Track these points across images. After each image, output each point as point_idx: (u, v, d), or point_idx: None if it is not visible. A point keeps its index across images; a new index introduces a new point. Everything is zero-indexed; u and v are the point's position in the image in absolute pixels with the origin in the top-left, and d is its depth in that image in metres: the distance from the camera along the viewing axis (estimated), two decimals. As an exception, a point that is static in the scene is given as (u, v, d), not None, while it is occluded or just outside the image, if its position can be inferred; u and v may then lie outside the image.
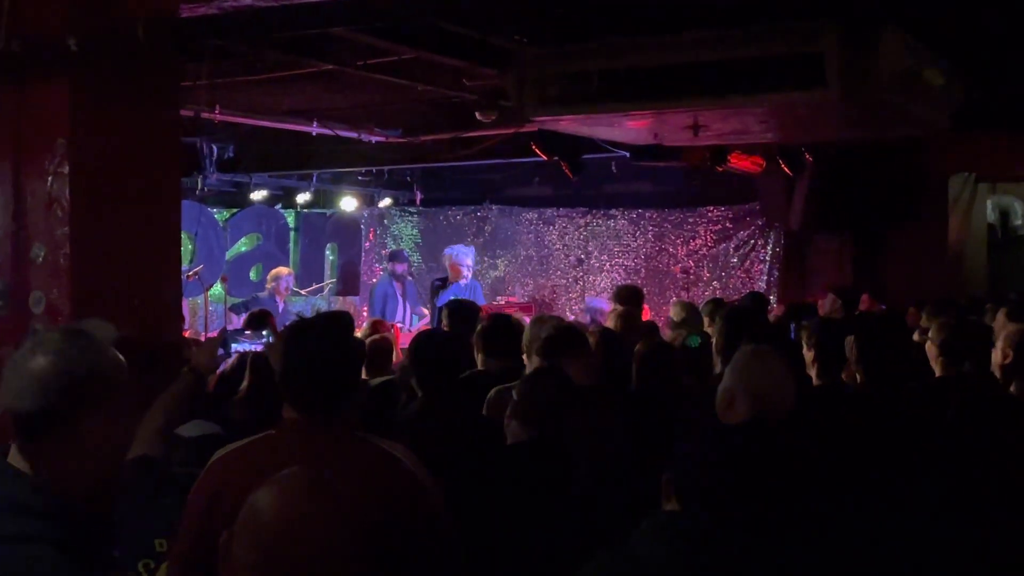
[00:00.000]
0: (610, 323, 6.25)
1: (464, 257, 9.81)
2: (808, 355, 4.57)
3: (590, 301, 10.30)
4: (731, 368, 3.36)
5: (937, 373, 4.78)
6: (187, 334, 8.23)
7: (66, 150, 4.30)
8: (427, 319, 9.99)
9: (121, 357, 2.03)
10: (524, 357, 5.02)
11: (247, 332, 4.07)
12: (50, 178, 4.33)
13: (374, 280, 12.27)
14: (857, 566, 3.14)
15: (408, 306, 10.27)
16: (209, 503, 2.61)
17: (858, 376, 4.45)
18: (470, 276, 9.80)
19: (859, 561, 3.15)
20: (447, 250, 10.09)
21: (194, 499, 2.66)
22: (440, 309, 8.89)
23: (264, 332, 4.00)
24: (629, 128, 7.45)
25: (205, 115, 7.26)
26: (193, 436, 3.32)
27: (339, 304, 12.29)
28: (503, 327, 5.03)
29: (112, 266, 4.41)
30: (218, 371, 4.14)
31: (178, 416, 3.42)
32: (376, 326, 6.84)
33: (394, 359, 5.86)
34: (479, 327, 5.09)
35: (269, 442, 2.70)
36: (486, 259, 12.15)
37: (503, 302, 10.46)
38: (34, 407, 1.90)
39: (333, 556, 1.67)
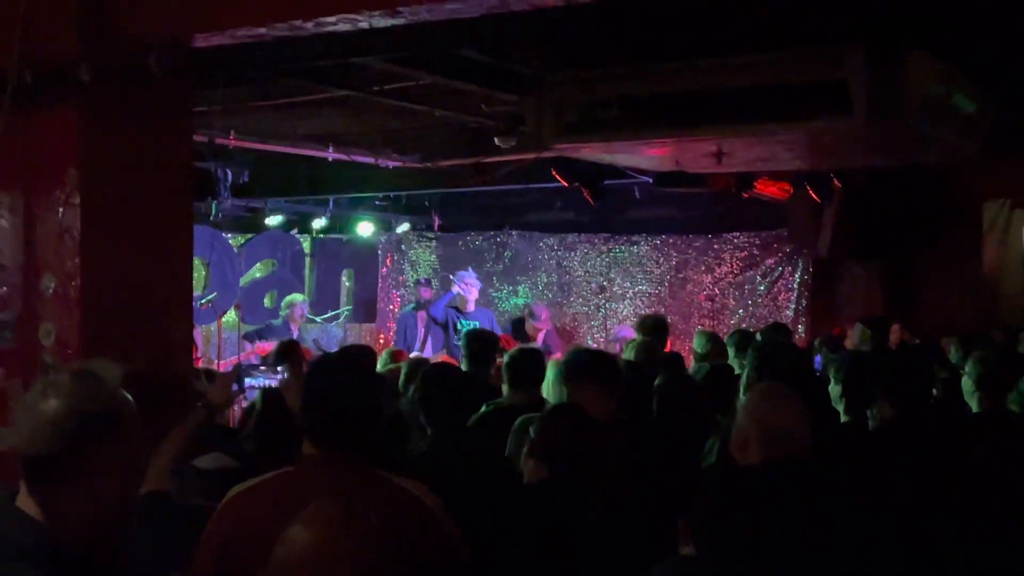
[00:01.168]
0: (627, 354, 6.14)
1: (467, 279, 9.76)
2: (835, 389, 4.47)
3: (618, 330, 10.19)
4: (743, 408, 3.26)
5: (974, 408, 4.65)
6: (200, 362, 8.18)
7: (77, 180, 4.25)
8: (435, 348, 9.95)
9: (130, 398, 2.02)
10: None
11: (262, 367, 4.01)
12: (61, 208, 4.28)
13: (391, 307, 12.22)
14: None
15: (431, 338, 10.22)
16: (225, 540, 2.59)
17: (885, 411, 4.33)
18: (472, 297, 9.73)
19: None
20: (459, 274, 10.07)
21: (210, 535, 2.64)
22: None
23: (279, 368, 3.93)
24: (650, 155, 7.37)
25: (219, 140, 7.22)
26: (209, 468, 3.28)
27: (355, 331, 12.22)
28: (529, 359, 4.94)
29: (123, 297, 4.35)
30: (243, 405, 4.09)
31: (190, 450, 3.38)
32: (395, 356, 6.75)
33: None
34: (506, 359, 5.00)
35: (288, 479, 2.66)
36: (506, 285, 12.05)
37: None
38: (46, 450, 1.90)
39: None
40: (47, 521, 1.90)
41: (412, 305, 10.82)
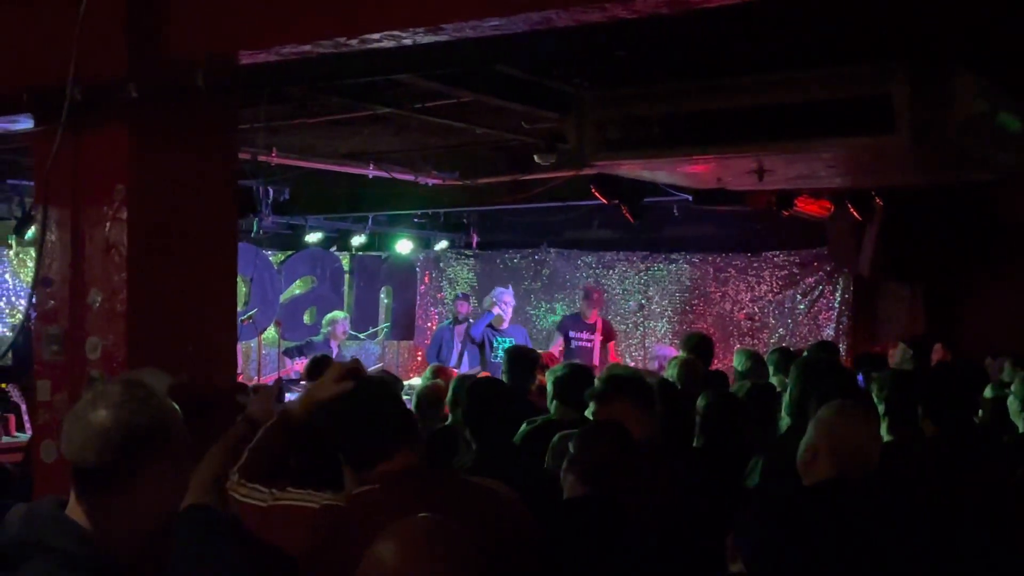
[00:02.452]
0: (669, 371, 6.10)
1: (504, 297, 9.78)
2: (879, 408, 4.42)
3: (657, 349, 10.16)
4: (815, 423, 3.22)
5: (1020, 429, 4.60)
6: (240, 379, 8.23)
7: (125, 196, 4.30)
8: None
9: (177, 407, 2.03)
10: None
11: (302, 382, 4.03)
12: (108, 224, 4.32)
13: (429, 324, 12.24)
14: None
15: (467, 354, 10.26)
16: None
17: (928, 429, 4.29)
18: (508, 316, 9.75)
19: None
20: (496, 291, 10.08)
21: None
22: (500, 349, 8.88)
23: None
24: (691, 173, 7.34)
25: (262, 158, 7.29)
26: None
27: (393, 348, 12.25)
28: (580, 376, 4.94)
29: (168, 312, 4.39)
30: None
31: (231, 464, 3.39)
32: (438, 372, 6.77)
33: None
34: (557, 374, 5.00)
35: (378, 497, 2.60)
36: (543, 303, 12.04)
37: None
38: (95, 461, 1.91)
39: None
40: (94, 530, 1.91)
41: (449, 320, 10.84)
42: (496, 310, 9.73)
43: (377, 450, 2.69)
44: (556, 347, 9.52)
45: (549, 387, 4.95)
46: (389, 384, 3.01)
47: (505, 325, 9.74)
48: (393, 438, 2.70)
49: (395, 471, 2.65)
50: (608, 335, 9.97)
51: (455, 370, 9.43)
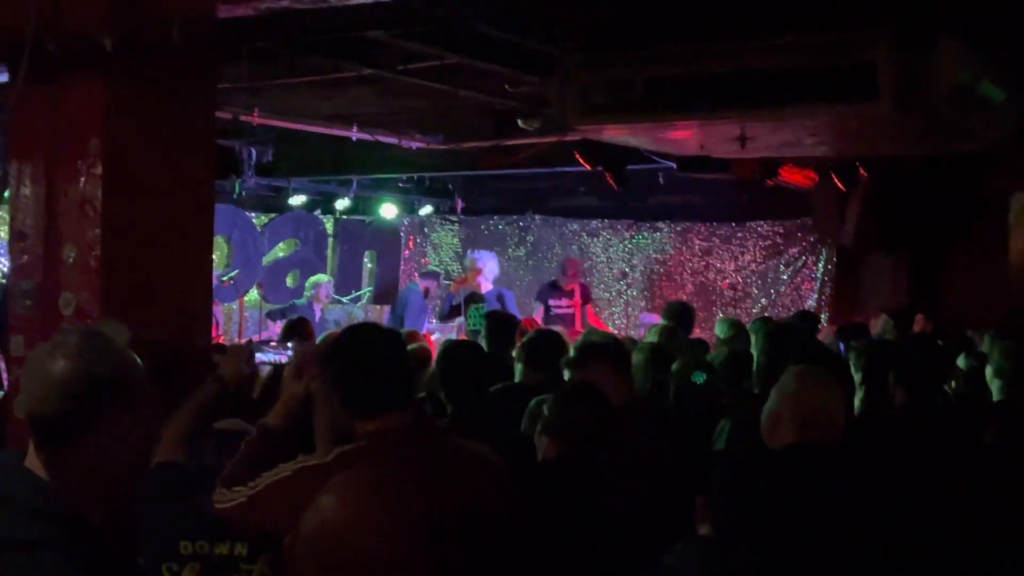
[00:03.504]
0: (649, 338, 6.10)
1: (479, 262, 9.74)
2: (856, 377, 4.44)
3: (643, 317, 10.17)
4: (778, 389, 3.21)
5: (995, 397, 4.62)
6: (221, 339, 8.20)
7: (100, 150, 4.26)
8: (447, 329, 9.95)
9: (138, 359, 1.98)
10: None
11: (272, 343, 4.01)
12: (83, 178, 4.29)
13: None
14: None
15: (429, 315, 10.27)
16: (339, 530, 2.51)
17: (899, 397, 4.31)
18: (484, 282, 9.71)
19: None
20: (472, 254, 10.04)
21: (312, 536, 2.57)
22: (473, 317, 8.87)
23: (289, 344, 3.94)
24: (674, 139, 7.32)
25: (244, 118, 7.23)
26: (226, 430, 3.29)
27: (376, 312, 12.23)
28: (548, 340, 4.93)
29: (143, 269, 4.36)
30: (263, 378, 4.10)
31: (202, 423, 3.38)
32: (411, 338, 6.75)
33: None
34: (524, 339, 4.99)
35: (382, 460, 2.54)
36: (528, 270, 12.03)
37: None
38: (55, 412, 1.87)
39: (394, 557, 1.68)
40: (52, 482, 1.89)
41: (418, 284, 10.79)
42: (479, 279, 9.69)
43: (375, 404, 2.67)
44: (537, 316, 9.52)
45: (516, 351, 4.93)
46: (399, 337, 2.95)
47: (485, 288, 9.69)
48: (394, 396, 2.68)
49: (383, 430, 2.64)
50: (586, 298, 10.01)
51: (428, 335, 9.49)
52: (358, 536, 1.70)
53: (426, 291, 10.48)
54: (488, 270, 9.76)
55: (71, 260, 4.28)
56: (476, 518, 2.54)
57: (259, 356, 3.89)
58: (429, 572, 1.74)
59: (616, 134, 7.16)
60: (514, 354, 5.09)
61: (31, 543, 1.80)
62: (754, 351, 6.23)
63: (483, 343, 5.86)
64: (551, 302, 9.81)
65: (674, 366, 4.70)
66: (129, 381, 1.95)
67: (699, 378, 4.53)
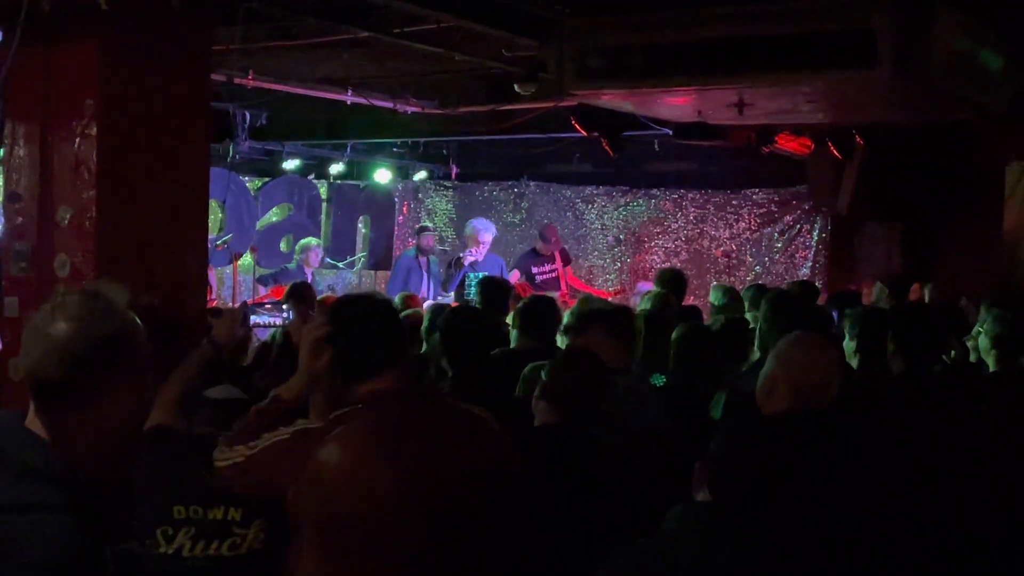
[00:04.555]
0: (642, 306, 6.10)
1: (483, 232, 9.74)
2: (850, 345, 4.45)
3: (641, 286, 10.17)
4: (774, 355, 3.22)
5: (991, 367, 4.63)
6: (215, 303, 8.19)
7: (94, 112, 4.24)
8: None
9: (138, 320, 1.97)
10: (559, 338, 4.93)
11: (267, 305, 4.00)
12: (77, 140, 4.27)
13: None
14: (896, 560, 3.03)
15: (432, 283, 10.23)
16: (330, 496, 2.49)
17: (896, 365, 4.31)
18: (484, 251, 9.71)
19: (898, 555, 3.04)
20: (472, 222, 10.02)
21: (305, 499, 2.55)
22: (473, 286, 8.86)
23: (284, 306, 3.93)
24: (672, 105, 7.29)
25: (238, 81, 7.17)
26: (220, 399, 3.28)
27: (370, 278, 12.21)
28: (543, 306, 4.93)
29: (138, 231, 4.36)
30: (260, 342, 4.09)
31: (196, 386, 3.37)
32: (408, 301, 6.74)
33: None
34: (519, 305, 4.99)
35: (375, 421, 2.50)
36: (522, 236, 12.00)
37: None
38: (56, 374, 1.86)
39: (395, 511, 1.72)
40: (53, 443, 1.88)
41: (413, 251, 10.77)
42: (469, 257, 9.68)
43: (368, 366, 2.67)
44: (512, 278, 9.53)
45: (511, 318, 4.93)
46: (390, 304, 2.95)
47: (481, 256, 9.70)
48: (384, 357, 2.67)
49: (379, 390, 2.63)
50: (566, 260, 10.05)
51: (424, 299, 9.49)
52: (357, 484, 1.70)
53: (426, 248, 10.43)
54: (488, 239, 9.78)
55: (66, 222, 4.27)
56: (474, 475, 2.54)
57: (253, 318, 3.88)
58: (426, 522, 1.74)
59: (613, 99, 7.12)
60: (509, 320, 5.09)
61: (31, 505, 1.79)
62: (749, 316, 6.26)
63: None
64: (534, 269, 9.83)
65: (674, 333, 4.70)
66: (130, 342, 1.94)
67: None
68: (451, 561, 2.05)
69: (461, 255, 9.88)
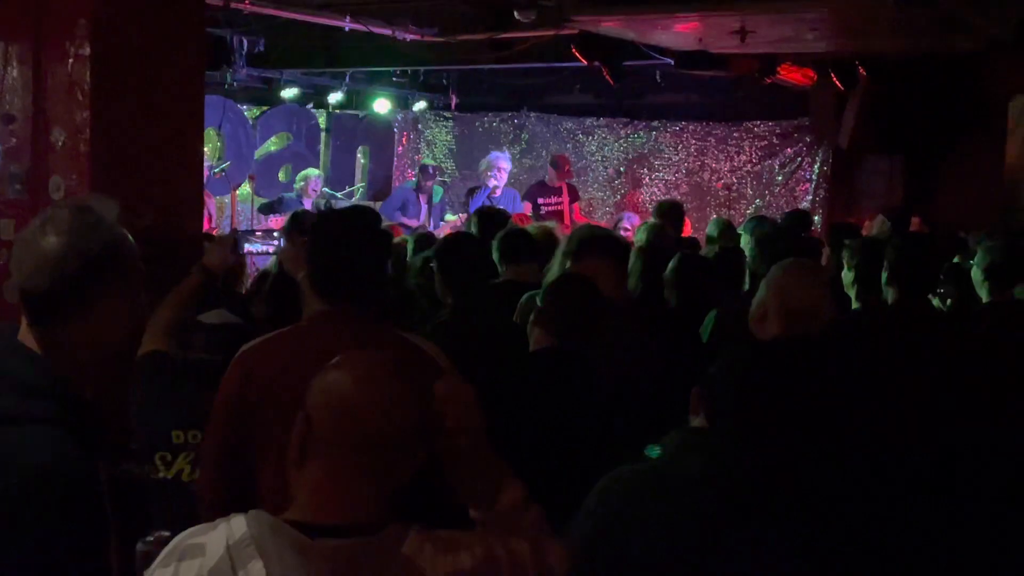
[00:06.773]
0: (639, 236, 6.07)
1: (501, 159, 9.67)
2: (848, 275, 4.44)
3: (626, 217, 10.13)
4: (766, 281, 3.21)
5: (984, 299, 4.63)
6: (215, 231, 8.16)
7: (88, 32, 4.17)
8: (456, 223, 9.93)
9: (128, 235, 1.97)
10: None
11: (258, 233, 3.99)
12: (71, 60, 4.21)
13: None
14: (889, 488, 3.05)
15: (432, 212, 10.20)
16: (239, 398, 2.58)
17: (891, 295, 4.30)
18: (502, 184, 9.64)
19: (891, 483, 3.05)
20: (489, 155, 9.93)
21: (224, 397, 2.62)
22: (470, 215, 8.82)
23: (275, 233, 3.91)
24: (673, 32, 7.19)
25: (234, 5, 7.06)
26: (214, 324, 3.28)
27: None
28: (514, 235, 4.90)
29: (132, 154, 4.32)
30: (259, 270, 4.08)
31: (188, 312, 3.37)
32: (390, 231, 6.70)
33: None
34: (496, 238, 4.95)
35: (299, 333, 2.66)
36: (523, 166, 11.93)
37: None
38: (48, 287, 1.86)
39: (408, 434, 1.75)
40: (46, 357, 1.88)
41: (414, 183, 10.72)
42: (492, 181, 9.60)
43: (324, 287, 2.68)
44: (526, 210, 9.48)
45: (495, 251, 4.89)
46: (373, 233, 2.88)
47: (499, 193, 9.64)
48: (341, 285, 2.66)
49: (326, 311, 2.66)
50: (574, 196, 9.98)
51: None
52: (381, 412, 1.75)
53: (425, 187, 10.41)
54: (507, 166, 9.71)
55: (60, 144, 4.24)
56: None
57: (246, 247, 3.87)
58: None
59: (614, 26, 7.03)
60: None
61: (24, 418, 1.80)
62: (745, 248, 6.25)
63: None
64: (540, 200, 9.77)
65: (671, 262, 4.69)
66: (120, 256, 1.94)
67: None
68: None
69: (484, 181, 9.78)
